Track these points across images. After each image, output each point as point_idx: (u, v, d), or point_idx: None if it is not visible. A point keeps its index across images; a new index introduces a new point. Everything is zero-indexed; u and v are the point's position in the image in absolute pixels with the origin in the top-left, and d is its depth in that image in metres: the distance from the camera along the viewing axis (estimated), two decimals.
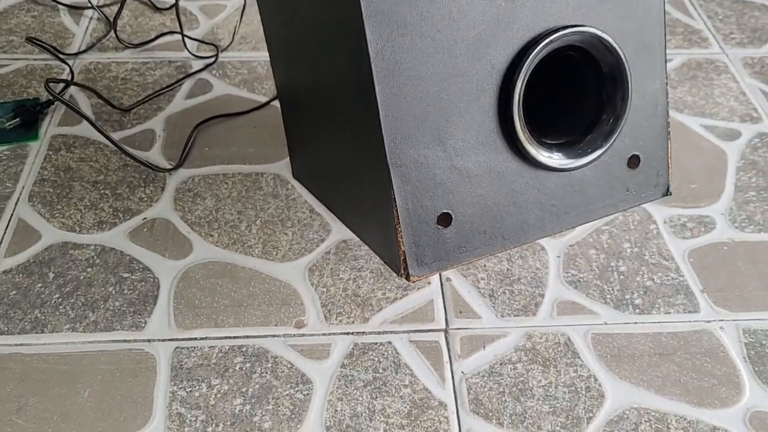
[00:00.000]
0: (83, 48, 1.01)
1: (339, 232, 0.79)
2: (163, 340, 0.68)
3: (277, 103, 0.94)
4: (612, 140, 0.62)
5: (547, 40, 0.57)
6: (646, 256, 0.78)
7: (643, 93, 0.63)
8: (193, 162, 0.86)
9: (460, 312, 0.72)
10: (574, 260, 0.78)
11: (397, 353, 0.69)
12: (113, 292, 0.72)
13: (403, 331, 0.70)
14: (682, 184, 0.86)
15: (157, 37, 1.03)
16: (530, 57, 0.56)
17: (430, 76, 0.55)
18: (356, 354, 0.68)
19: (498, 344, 0.70)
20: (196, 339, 0.69)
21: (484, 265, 0.76)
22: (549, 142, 0.61)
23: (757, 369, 0.69)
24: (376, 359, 0.68)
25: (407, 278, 0.59)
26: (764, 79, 1.02)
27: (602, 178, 0.63)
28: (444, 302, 0.73)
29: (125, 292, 0.72)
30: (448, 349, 0.69)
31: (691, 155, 0.90)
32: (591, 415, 0.65)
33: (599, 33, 0.59)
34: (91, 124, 0.84)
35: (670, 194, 0.66)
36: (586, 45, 0.59)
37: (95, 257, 0.75)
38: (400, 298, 0.73)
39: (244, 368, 0.67)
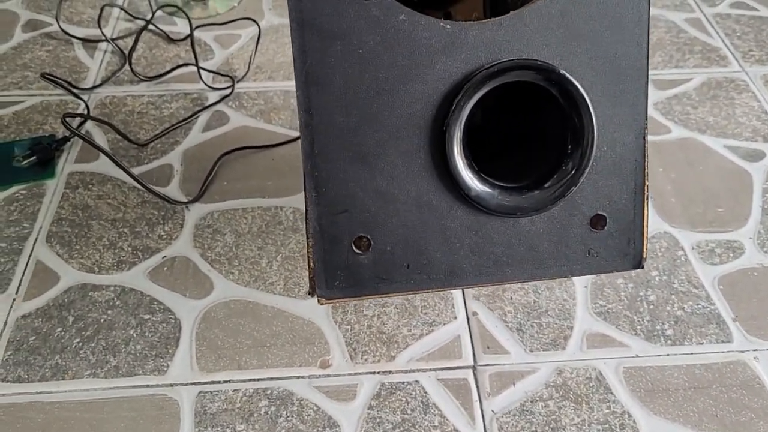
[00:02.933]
0: (98, 82, 1.01)
1: None
2: (186, 384, 0.67)
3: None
4: (567, 194, 0.56)
5: (489, 72, 0.52)
6: (675, 284, 0.77)
7: (615, 146, 0.56)
8: (211, 196, 0.85)
9: (488, 347, 0.71)
10: (602, 290, 0.76)
11: (425, 393, 0.67)
12: (134, 335, 0.71)
13: (431, 369, 0.69)
14: (708, 208, 0.85)
15: (172, 70, 1.03)
16: (469, 89, 0.52)
17: (360, 91, 0.52)
18: (383, 394, 0.67)
19: (528, 380, 0.68)
20: (219, 382, 0.67)
21: (511, 298, 0.75)
22: (499, 183, 0.56)
23: None
24: (404, 399, 0.67)
25: (318, 301, 0.55)
26: None
27: (556, 234, 0.57)
28: (471, 338, 0.72)
29: (146, 334, 0.71)
30: (477, 387, 0.68)
31: (716, 177, 0.89)
32: None
33: (559, 71, 0.53)
34: (110, 158, 0.84)
35: (642, 267, 0.59)
36: (544, 83, 0.54)
37: (115, 299, 0.74)
38: (426, 334, 0.72)
39: (269, 412, 0.65)
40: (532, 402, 0.67)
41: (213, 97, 0.99)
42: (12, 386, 0.66)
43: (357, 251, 0.55)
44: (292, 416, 0.65)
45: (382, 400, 0.66)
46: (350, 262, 0.55)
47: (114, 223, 0.82)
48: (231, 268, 0.77)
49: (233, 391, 0.67)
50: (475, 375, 0.69)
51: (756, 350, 0.71)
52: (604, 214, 0.57)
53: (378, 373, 0.69)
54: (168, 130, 0.94)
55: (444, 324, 0.73)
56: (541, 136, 0.58)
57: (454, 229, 0.56)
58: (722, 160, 0.91)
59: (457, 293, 0.75)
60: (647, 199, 0.57)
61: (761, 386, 0.68)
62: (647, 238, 0.58)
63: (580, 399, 0.67)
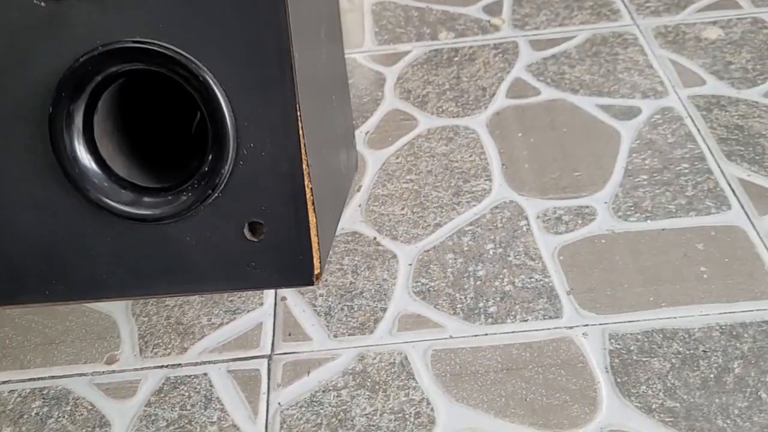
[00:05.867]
0: None
1: None
2: None
3: None
4: (208, 198, 0.49)
5: (94, 58, 0.46)
6: (510, 257, 0.70)
7: (264, 143, 0.49)
8: None
9: (289, 335, 0.66)
10: (428, 267, 0.70)
11: (211, 386, 0.62)
12: None
13: (222, 361, 0.64)
14: (565, 173, 0.78)
15: None
16: (77, 77, 0.46)
17: None
18: (165, 390, 0.62)
19: (325, 369, 0.63)
20: None
21: (326, 280, 0.69)
22: (136, 183, 0.49)
23: (619, 380, 0.60)
24: (186, 394, 0.62)
25: None
26: (676, 48, 0.92)
27: (209, 244, 0.50)
28: (274, 325, 0.66)
29: None
30: (269, 378, 0.63)
31: (580, 140, 0.81)
32: None
33: (178, 57, 0.46)
34: None
35: (314, 284, 0.51)
36: (166, 71, 0.47)
37: None
38: (227, 323, 0.67)
39: (40, 413, 0.61)
40: (323, 392, 0.61)
41: None
42: None
43: None
44: (63, 417, 0.61)
45: (162, 395, 0.62)
46: None
47: None
48: None
49: (9, 392, 0.63)
50: (269, 365, 0.64)
51: (586, 325, 0.64)
52: (261, 221, 0.50)
53: (166, 366, 0.64)
54: None
55: (248, 311, 0.68)
56: (196, 135, 0.52)
57: (88, 236, 0.50)
58: (591, 120, 0.84)
59: None
60: (313, 203, 0.49)
61: (584, 365, 0.61)
62: (319, 248, 0.50)
63: (377, 387, 0.61)
